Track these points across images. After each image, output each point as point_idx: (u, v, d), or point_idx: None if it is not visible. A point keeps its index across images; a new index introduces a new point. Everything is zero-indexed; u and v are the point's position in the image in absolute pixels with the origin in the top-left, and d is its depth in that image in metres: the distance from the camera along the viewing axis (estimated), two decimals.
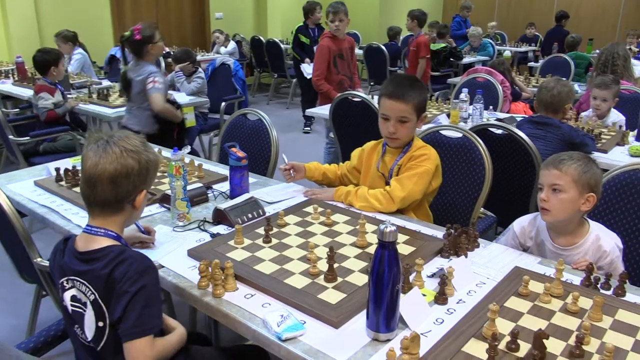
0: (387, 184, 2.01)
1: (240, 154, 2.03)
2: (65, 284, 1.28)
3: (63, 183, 2.19)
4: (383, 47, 7.07)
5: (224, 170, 2.37)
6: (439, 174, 2.03)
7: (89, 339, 1.25)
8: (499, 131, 2.64)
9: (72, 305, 1.27)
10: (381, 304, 1.18)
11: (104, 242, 1.27)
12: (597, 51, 7.34)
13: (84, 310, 1.24)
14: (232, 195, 2.04)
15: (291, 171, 2.13)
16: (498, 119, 3.37)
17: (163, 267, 1.53)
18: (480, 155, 2.24)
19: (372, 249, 1.62)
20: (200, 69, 4.75)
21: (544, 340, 1.12)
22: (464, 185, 2.27)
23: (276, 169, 2.60)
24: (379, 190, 1.94)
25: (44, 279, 1.83)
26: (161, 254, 1.60)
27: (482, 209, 2.26)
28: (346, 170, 2.23)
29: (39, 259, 1.78)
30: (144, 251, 1.61)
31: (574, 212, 1.65)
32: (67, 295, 1.27)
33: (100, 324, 1.21)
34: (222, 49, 7.86)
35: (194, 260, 1.57)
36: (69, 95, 4.26)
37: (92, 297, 1.22)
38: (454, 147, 2.32)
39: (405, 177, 1.94)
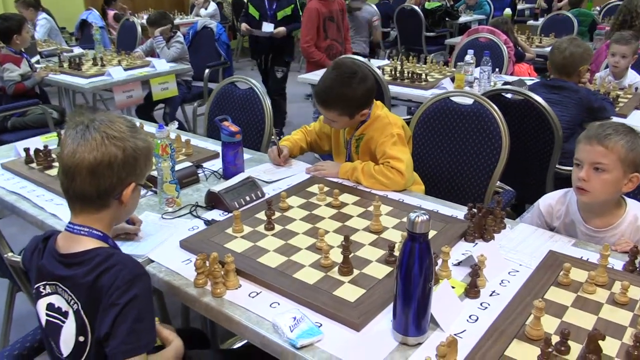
0: (348, 157, 2.01)
1: (234, 128, 1.90)
2: (42, 289, 1.14)
3: (34, 165, 2.02)
4: (418, 10, 6.62)
5: (215, 146, 2.26)
6: (409, 136, 1.99)
7: (65, 354, 1.11)
8: (511, 96, 2.51)
9: (47, 315, 1.13)
10: (410, 302, 1.07)
11: (88, 243, 1.12)
12: (597, 8, 7.24)
13: (63, 322, 1.10)
14: (226, 174, 1.93)
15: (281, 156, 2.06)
16: (506, 83, 3.23)
17: (153, 261, 1.40)
18: (496, 123, 2.12)
19: (389, 234, 1.52)
20: (179, 33, 4.52)
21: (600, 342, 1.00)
22: (478, 157, 2.16)
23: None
24: (381, 165, 1.85)
25: (16, 275, 1.68)
26: (149, 247, 1.47)
27: (499, 182, 2.14)
28: (315, 135, 2.15)
29: (9, 254, 1.63)
30: (130, 243, 1.47)
31: (615, 193, 1.53)
32: (43, 303, 1.13)
33: (81, 338, 1.08)
34: (202, 11, 7.58)
35: (187, 252, 1.45)
36: (37, 65, 4.04)
37: (75, 307, 1.08)
38: (465, 114, 2.20)
39: (389, 148, 1.85)
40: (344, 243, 1.32)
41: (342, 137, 2.05)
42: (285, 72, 4.78)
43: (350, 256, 1.33)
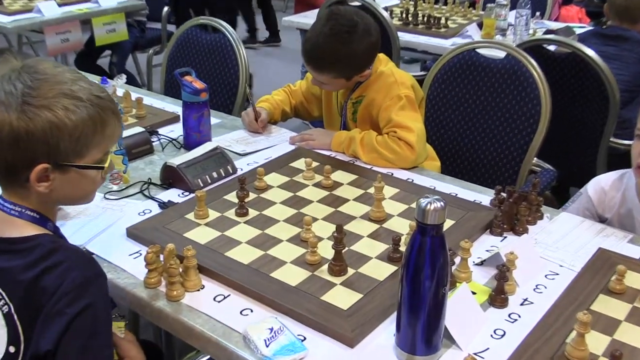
0: (344, 125, 2.01)
1: (198, 84, 1.91)
2: None
3: None
4: None
5: (174, 107, 2.26)
6: (420, 98, 2.01)
7: None
8: (555, 48, 2.49)
9: None
10: (419, 312, 1.07)
11: (26, 228, 1.10)
12: None
13: None
14: (188, 143, 1.94)
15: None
16: (549, 31, 3.21)
17: (92, 254, 1.39)
18: (534, 83, 2.12)
19: (393, 224, 1.51)
20: None
21: None
22: (510, 126, 2.16)
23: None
24: (386, 136, 1.84)
25: None
26: (87, 235, 1.47)
27: (535, 158, 2.14)
28: (302, 96, 2.14)
29: None
30: (63, 230, 1.45)
31: None
32: None
33: (12, 349, 1.07)
34: None
35: (136, 243, 1.46)
36: None
37: (5, 309, 1.07)
38: (495, 71, 2.19)
39: (395, 114, 1.84)
40: (335, 234, 1.31)
41: (334, 100, 2.04)
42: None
43: (343, 251, 1.32)
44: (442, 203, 1.02)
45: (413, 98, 1.89)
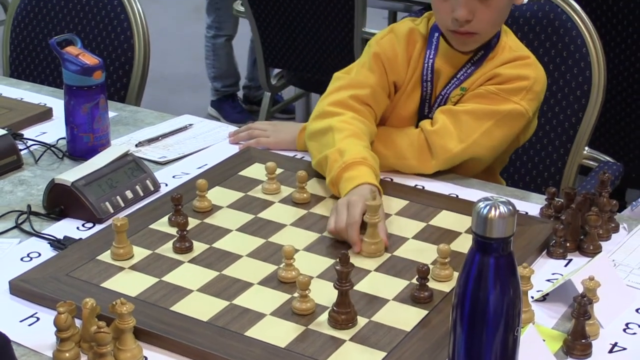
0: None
1: (89, 59, 1.95)
2: None
3: None
4: None
5: (41, 96, 2.32)
6: (536, 119, 2.01)
7: None
8: None
9: None
10: None
11: None
12: None
13: None
14: (75, 150, 2.00)
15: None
16: None
17: None
18: (580, 38, 2.25)
19: (406, 250, 1.57)
20: None
21: None
22: (549, 102, 2.25)
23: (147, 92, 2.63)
24: (403, 130, 1.92)
25: None
26: None
27: (587, 149, 2.26)
28: (374, 98, 2.01)
29: None
30: None
31: None
32: None
33: None
34: None
35: (28, 303, 1.46)
36: None
37: None
38: (522, 22, 2.30)
39: (470, 114, 1.89)
40: (339, 267, 1.33)
41: (418, 92, 2.00)
42: None
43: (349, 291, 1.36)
44: (510, 207, 1.05)
45: (525, 120, 1.95)
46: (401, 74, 1.98)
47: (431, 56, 1.95)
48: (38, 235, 1.67)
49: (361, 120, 1.88)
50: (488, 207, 1.06)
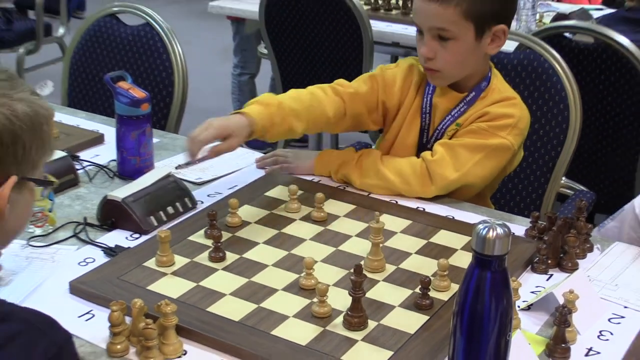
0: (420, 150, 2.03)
1: (138, 92, 1.96)
2: None
3: None
4: None
5: (94, 124, 2.32)
6: (521, 151, 2.04)
7: None
8: (572, 36, 2.65)
9: None
10: None
11: None
12: None
13: None
14: (124, 171, 2.00)
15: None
16: (559, 15, 3.38)
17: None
18: (559, 82, 2.25)
19: (411, 264, 1.61)
20: None
21: None
22: (531, 137, 2.22)
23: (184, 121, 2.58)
24: (408, 160, 1.94)
25: None
26: (16, 295, 1.48)
27: (564, 178, 2.28)
28: (364, 105, 2.02)
29: None
30: None
31: None
32: None
33: None
34: None
35: (85, 302, 1.48)
36: None
37: None
38: (510, 68, 2.30)
39: (464, 147, 1.91)
40: (353, 277, 1.38)
41: (418, 122, 2.01)
42: None
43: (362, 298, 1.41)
44: (505, 229, 1.11)
45: (510, 153, 1.94)
46: (394, 99, 2.03)
47: (430, 92, 2.00)
48: (93, 243, 1.71)
49: (321, 88, 1.99)
50: (487, 229, 1.12)
